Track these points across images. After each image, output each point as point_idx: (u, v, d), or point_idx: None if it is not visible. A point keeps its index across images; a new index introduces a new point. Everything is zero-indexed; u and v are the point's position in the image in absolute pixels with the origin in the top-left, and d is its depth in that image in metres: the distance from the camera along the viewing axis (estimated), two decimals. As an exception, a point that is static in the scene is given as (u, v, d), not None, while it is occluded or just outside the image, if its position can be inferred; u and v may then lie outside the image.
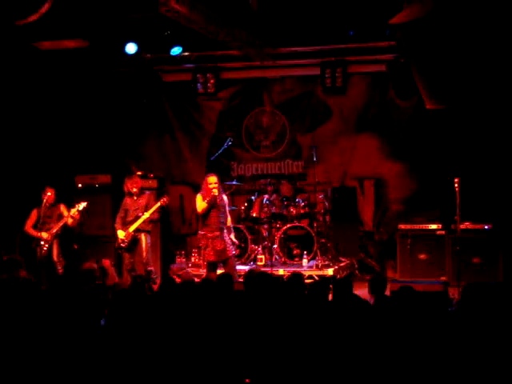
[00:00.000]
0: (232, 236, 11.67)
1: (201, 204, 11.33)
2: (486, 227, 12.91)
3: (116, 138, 15.54)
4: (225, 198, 11.71)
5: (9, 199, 13.22)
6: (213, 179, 11.38)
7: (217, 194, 11.27)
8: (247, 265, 13.55)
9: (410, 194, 14.52)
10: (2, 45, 12.02)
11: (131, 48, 13.19)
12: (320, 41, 13.86)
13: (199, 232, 11.59)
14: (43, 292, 7.69)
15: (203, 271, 12.58)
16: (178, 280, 11.54)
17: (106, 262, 11.51)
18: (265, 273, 8.77)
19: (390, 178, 14.78)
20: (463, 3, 9.46)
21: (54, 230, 12.01)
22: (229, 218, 11.70)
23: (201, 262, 13.74)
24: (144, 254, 11.96)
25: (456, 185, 11.61)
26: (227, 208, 11.71)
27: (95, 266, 10.11)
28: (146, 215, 11.96)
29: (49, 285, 11.12)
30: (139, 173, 14.30)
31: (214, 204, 11.29)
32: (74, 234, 13.99)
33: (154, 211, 12.09)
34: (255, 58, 14.41)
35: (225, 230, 11.41)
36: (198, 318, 6.31)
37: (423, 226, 13.30)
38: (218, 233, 11.29)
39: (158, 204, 12.14)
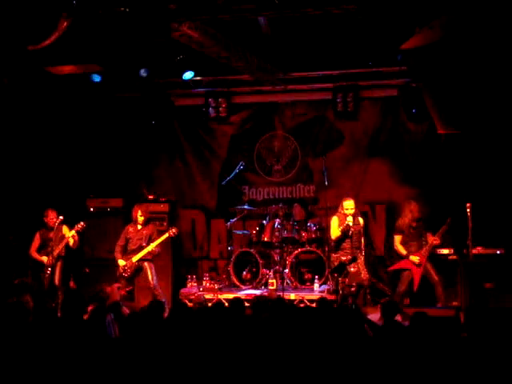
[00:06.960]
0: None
1: (335, 231, 11.32)
2: (498, 252, 12.81)
3: (128, 162, 15.56)
4: (360, 220, 11.78)
5: (22, 222, 13.24)
6: (349, 204, 11.36)
7: (351, 224, 11.22)
8: (258, 289, 13.53)
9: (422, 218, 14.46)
10: (15, 69, 12.09)
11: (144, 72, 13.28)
12: (331, 65, 13.89)
13: (333, 255, 11.59)
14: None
15: (215, 296, 12.67)
16: (189, 304, 11.55)
17: (114, 287, 11.42)
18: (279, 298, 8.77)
19: (402, 202, 14.72)
20: (474, 28, 9.47)
21: (56, 252, 11.96)
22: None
23: (212, 286, 13.74)
24: (151, 280, 11.84)
25: (468, 210, 11.60)
26: (361, 231, 11.76)
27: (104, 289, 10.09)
28: (152, 246, 11.78)
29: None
30: (150, 197, 14.33)
31: (347, 233, 11.24)
32: (84, 258, 14.02)
33: (161, 242, 11.97)
34: (267, 82, 14.44)
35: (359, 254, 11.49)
36: (211, 342, 6.29)
37: (435, 251, 13.22)
38: (350, 257, 11.41)
39: (166, 235, 11.98)
